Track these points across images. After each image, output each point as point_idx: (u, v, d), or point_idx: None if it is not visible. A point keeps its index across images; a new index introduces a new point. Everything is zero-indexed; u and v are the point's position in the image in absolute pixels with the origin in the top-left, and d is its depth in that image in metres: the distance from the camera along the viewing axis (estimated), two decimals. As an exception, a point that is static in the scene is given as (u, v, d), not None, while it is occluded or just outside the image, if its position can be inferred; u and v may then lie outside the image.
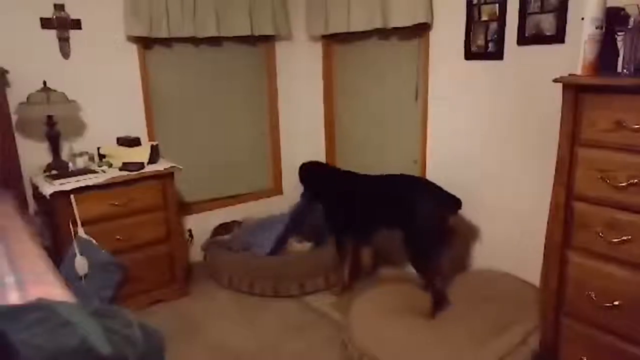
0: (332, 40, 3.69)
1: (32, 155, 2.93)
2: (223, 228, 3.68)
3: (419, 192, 2.72)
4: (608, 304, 1.83)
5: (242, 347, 2.67)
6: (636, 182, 1.69)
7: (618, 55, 1.81)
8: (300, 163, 3.39)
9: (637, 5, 1.74)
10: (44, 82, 2.80)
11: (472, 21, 2.71)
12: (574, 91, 1.80)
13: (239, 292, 3.22)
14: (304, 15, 3.67)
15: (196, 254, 3.67)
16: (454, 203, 2.64)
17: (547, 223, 1.99)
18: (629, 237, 1.74)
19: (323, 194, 3.22)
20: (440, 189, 2.70)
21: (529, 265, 2.52)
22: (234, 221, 3.74)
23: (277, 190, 4.13)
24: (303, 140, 4.02)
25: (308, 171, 3.34)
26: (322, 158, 3.90)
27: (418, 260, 2.67)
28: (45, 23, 2.88)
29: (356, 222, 3.04)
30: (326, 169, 3.37)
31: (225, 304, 3.13)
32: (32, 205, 2.99)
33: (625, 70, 1.77)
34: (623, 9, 1.81)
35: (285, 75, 3.94)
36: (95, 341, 1.05)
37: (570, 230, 1.92)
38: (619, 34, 1.81)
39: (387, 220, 2.85)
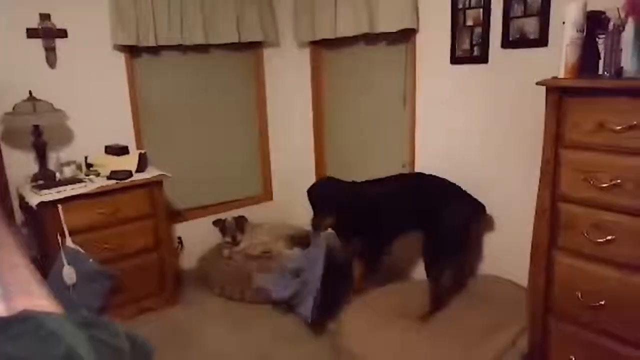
0: (320, 46, 3.70)
1: (19, 165, 2.91)
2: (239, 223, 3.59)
3: (447, 195, 2.69)
4: (594, 304, 1.85)
5: (233, 356, 2.66)
6: (619, 182, 1.71)
7: (599, 58, 1.84)
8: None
9: (617, 9, 1.77)
10: (30, 92, 2.78)
11: (457, 26, 2.73)
12: (557, 93, 1.83)
13: (230, 300, 3.21)
14: (292, 21, 3.68)
15: (186, 261, 3.65)
16: (479, 209, 2.61)
17: (534, 224, 2.01)
18: (614, 237, 1.76)
19: (346, 213, 2.67)
20: (465, 193, 2.66)
21: (523, 268, 2.52)
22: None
23: (267, 196, 4.13)
24: (292, 145, 4.02)
25: (329, 191, 2.74)
26: (310, 162, 3.88)
27: (434, 263, 2.61)
28: (31, 33, 2.87)
29: (383, 232, 2.78)
30: (342, 184, 2.80)
31: (216, 312, 3.12)
32: (19, 215, 2.97)
33: (606, 73, 1.80)
34: (604, 13, 1.83)
35: (273, 81, 3.95)
36: (81, 352, 1.04)
37: (556, 231, 1.94)
38: (599, 37, 1.84)
39: (410, 225, 2.72)
